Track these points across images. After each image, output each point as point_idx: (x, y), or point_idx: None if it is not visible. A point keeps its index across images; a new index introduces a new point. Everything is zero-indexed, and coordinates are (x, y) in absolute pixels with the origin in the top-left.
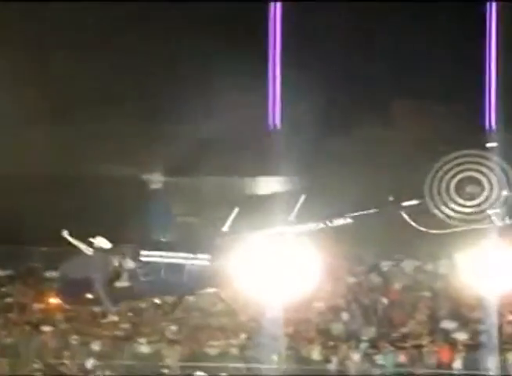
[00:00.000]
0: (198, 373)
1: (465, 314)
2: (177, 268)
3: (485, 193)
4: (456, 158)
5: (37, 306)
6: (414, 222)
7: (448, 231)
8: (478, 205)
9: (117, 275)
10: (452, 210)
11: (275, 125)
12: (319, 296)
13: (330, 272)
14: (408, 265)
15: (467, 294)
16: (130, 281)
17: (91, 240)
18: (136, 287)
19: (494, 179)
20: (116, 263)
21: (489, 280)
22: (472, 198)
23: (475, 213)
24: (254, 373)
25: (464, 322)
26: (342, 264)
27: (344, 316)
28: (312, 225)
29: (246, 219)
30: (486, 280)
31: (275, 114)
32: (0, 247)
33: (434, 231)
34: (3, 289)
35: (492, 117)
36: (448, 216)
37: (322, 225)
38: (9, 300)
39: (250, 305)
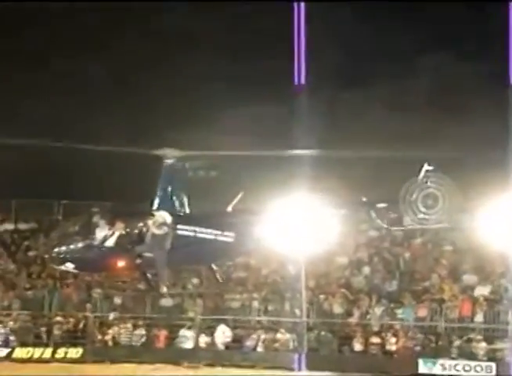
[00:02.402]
0: None
1: (486, 268)
2: (206, 241)
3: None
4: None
5: None
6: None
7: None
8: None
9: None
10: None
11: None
12: (341, 250)
13: (352, 227)
14: None
15: (489, 249)
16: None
17: (154, 213)
18: (173, 257)
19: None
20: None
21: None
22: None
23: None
24: (276, 326)
25: (485, 276)
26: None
27: (366, 269)
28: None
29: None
30: (508, 235)
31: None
32: (22, 201)
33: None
34: (26, 242)
35: None
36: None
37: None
38: (31, 253)
39: (272, 259)
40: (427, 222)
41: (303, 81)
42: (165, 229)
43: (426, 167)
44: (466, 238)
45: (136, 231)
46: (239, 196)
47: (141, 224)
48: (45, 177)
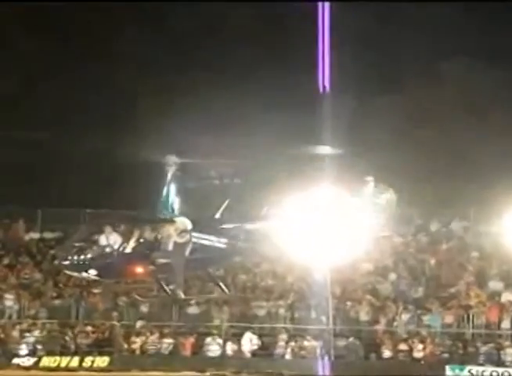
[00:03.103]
0: None
1: None
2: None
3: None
4: None
5: None
6: None
7: None
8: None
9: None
10: None
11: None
12: (367, 257)
13: (378, 233)
14: (456, 225)
15: None
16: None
17: (175, 219)
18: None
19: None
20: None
21: None
22: None
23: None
24: (303, 333)
25: None
26: (390, 224)
27: (392, 276)
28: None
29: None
30: None
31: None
32: (49, 210)
33: None
34: (52, 251)
35: None
36: None
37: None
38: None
39: (298, 267)
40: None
41: (327, 86)
42: (187, 236)
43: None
44: (492, 244)
45: (153, 237)
46: (226, 203)
47: (159, 231)
48: (71, 186)
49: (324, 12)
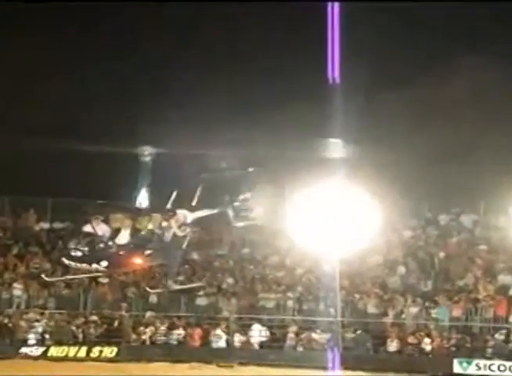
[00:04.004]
0: None
1: None
2: None
3: None
4: None
5: None
6: None
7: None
8: None
9: None
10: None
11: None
12: (376, 249)
13: (387, 226)
14: (466, 219)
15: None
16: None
17: (176, 211)
18: None
19: None
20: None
21: None
22: None
23: None
24: (311, 325)
25: None
26: (399, 217)
27: (401, 269)
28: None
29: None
30: None
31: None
32: (58, 200)
33: None
34: (61, 241)
35: None
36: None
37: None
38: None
39: (307, 259)
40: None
41: (337, 78)
42: (187, 229)
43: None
44: (501, 238)
45: (147, 229)
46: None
47: (160, 222)
48: (81, 176)
49: (334, 7)
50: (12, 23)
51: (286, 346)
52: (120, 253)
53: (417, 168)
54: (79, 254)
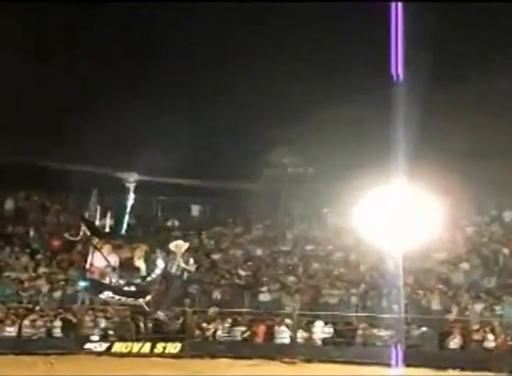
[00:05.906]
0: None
1: None
2: None
3: None
4: None
5: None
6: None
7: None
8: None
9: None
10: None
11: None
12: (440, 246)
13: (451, 223)
14: None
15: None
16: None
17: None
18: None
19: None
20: None
21: None
22: None
23: None
24: (374, 322)
25: None
26: (464, 214)
27: (465, 265)
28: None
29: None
30: None
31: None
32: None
33: None
34: None
35: None
36: None
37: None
38: None
39: (371, 255)
40: None
41: (401, 75)
42: (191, 261)
43: None
44: None
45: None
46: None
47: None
48: None
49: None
50: None
51: (350, 343)
52: None
53: (482, 164)
54: None
